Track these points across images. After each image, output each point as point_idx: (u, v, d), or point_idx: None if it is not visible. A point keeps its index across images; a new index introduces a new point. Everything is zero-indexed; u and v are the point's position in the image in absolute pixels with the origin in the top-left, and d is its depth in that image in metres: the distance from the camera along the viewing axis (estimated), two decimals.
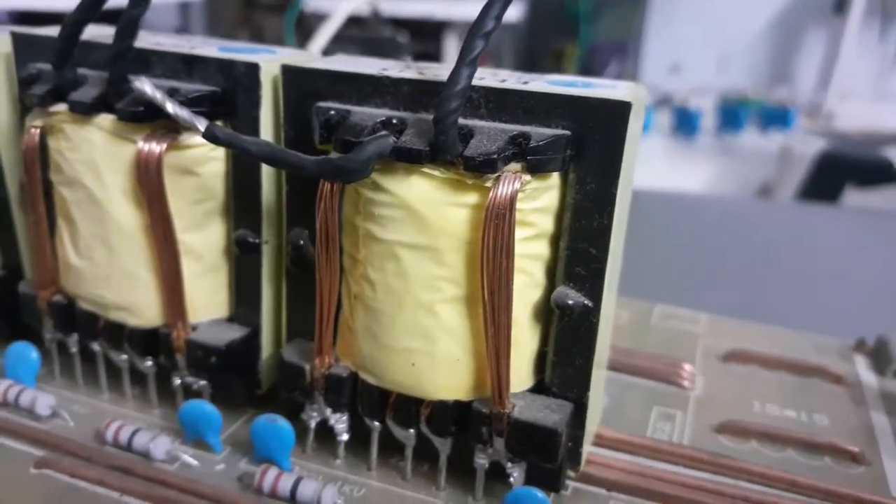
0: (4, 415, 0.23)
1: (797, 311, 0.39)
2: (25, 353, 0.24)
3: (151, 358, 0.23)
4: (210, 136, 0.19)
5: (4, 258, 0.26)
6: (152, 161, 0.20)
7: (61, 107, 0.21)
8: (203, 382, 0.23)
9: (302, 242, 0.21)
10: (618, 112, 0.18)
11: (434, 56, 0.76)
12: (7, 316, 0.26)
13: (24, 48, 0.23)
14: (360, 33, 0.66)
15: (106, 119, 0.21)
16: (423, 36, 0.76)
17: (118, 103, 0.20)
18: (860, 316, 0.39)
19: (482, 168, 0.17)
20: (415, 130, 0.18)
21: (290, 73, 0.20)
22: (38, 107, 0.21)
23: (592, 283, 0.19)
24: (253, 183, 0.21)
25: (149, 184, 0.20)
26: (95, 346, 0.24)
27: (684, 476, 0.22)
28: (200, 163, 0.21)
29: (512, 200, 0.17)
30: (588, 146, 0.18)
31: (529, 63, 0.83)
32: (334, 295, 0.20)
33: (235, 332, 0.22)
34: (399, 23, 0.73)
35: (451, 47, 0.76)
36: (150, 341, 0.23)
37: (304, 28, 0.94)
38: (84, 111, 0.20)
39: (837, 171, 0.61)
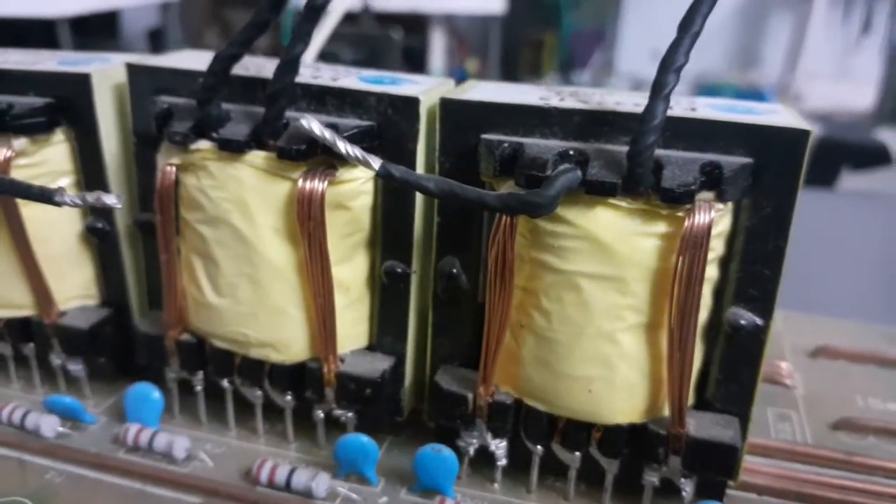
0: (139, 460, 0.23)
1: (810, 295, 0.41)
2: (148, 393, 0.24)
3: (291, 392, 0.23)
4: (386, 175, 0.19)
5: (109, 295, 0.25)
6: (315, 198, 0.20)
7: (203, 143, 0.21)
8: (350, 414, 0.22)
9: (455, 271, 0.21)
10: (799, 139, 0.18)
11: (420, 50, 0.76)
12: (115, 355, 0.25)
13: (141, 80, 0.22)
14: (353, 30, 0.65)
15: (257, 156, 0.20)
16: (408, 30, 0.75)
17: (278, 141, 0.20)
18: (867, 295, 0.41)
19: (681, 199, 0.17)
20: (600, 162, 0.18)
21: (449, 105, 0.20)
22: (179, 144, 0.20)
23: (764, 304, 0.19)
24: (406, 215, 0.21)
25: (309, 221, 0.20)
26: (225, 384, 0.23)
27: (826, 476, 0.23)
28: (352, 197, 0.21)
29: (708, 229, 0.18)
30: (767, 172, 0.18)
31: (510, 54, 0.83)
32: (505, 325, 0.20)
33: (383, 362, 0.22)
34: (385, 17, 0.72)
35: (437, 41, 0.76)
36: (294, 376, 0.22)
37: (277, 24, 0.92)
38: (237, 149, 0.20)
39: (833, 156, 0.64)
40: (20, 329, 0.25)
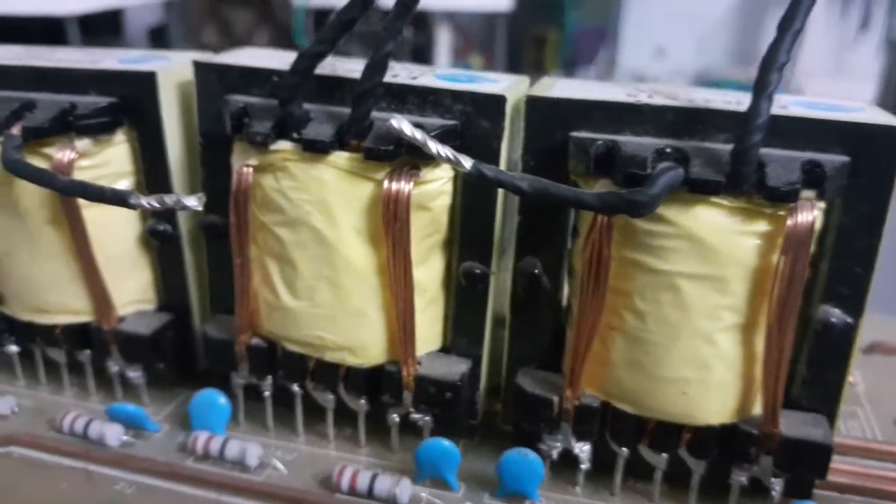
0: (210, 468, 0.22)
1: None
2: (214, 399, 0.23)
3: (365, 396, 0.22)
4: (478, 175, 0.18)
5: (168, 299, 0.25)
6: (402, 199, 0.19)
7: (283, 144, 0.20)
8: (427, 418, 0.22)
9: (537, 272, 0.21)
10: (894, 137, 0.18)
11: (421, 46, 0.75)
12: (174, 361, 0.25)
13: (209, 79, 0.22)
14: (363, 27, 0.64)
15: (341, 157, 0.20)
16: (414, 27, 0.75)
17: (364, 141, 0.19)
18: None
19: (787, 198, 0.17)
20: (701, 161, 0.18)
21: (536, 103, 0.20)
22: (260, 144, 0.20)
23: (855, 302, 0.19)
24: (487, 215, 0.21)
25: (395, 222, 0.20)
26: (295, 388, 0.23)
27: None
28: (433, 198, 0.20)
29: (811, 228, 0.18)
30: (862, 170, 0.18)
31: (517, 52, 0.83)
32: (597, 327, 0.20)
33: (461, 365, 0.22)
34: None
35: (443, 37, 0.76)
36: (370, 380, 0.22)
37: (275, 22, 0.91)
38: (322, 150, 0.19)
39: None
40: (77, 335, 0.24)
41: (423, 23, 0.76)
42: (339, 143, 0.20)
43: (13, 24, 0.58)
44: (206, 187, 0.23)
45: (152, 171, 0.23)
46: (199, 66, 0.22)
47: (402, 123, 0.18)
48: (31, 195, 0.22)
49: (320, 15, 0.64)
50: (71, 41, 0.58)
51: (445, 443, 0.21)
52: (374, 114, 0.20)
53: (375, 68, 0.19)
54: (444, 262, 0.22)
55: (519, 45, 0.84)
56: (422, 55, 0.75)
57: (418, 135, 0.18)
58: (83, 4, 0.57)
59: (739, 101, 0.19)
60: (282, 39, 0.92)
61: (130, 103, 0.22)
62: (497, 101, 0.20)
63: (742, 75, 0.87)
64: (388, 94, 0.20)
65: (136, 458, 0.22)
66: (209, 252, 0.24)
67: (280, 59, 0.22)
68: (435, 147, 0.18)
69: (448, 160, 0.18)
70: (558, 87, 0.21)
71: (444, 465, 0.21)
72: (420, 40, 0.74)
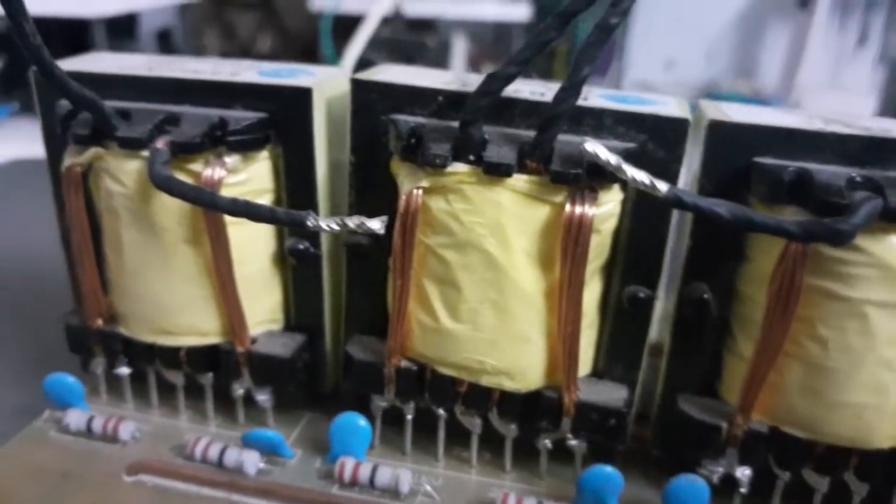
0: (358, 496, 0.21)
1: None
2: (355, 423, 0.22)
3: (516, 422, 0.22)
4: (675, 200, 0.18)
5: (299, 319, 0.24)
6: (585, 223, 0.19)
7: (459, 166, 0.20)
8: (582, 443, 0.22)
9: (706, 297, 0.21)
10: None
11: (442, 55, 0.75)
12: (305, 383, 0.24)
13: (368, 97, 0.21)
14: (388, 35, 0.64)
15: (520, 179, 0.19)
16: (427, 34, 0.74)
17: (550, 164, 0.19)
18: None
19: None
20: (894, 190, 0.18)
21: (719, 128, 0.19)
22: (439, 167, 0.19)
23: None
24: (657, 239, 0.21)
25: (576, 246, 0.19)
26: (441, 412, 0.22)
27: None
28: (604, 221, 0.20)
29: None
30: None
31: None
32: (778, 354, 0.19)
33: (620, 391, 0.22)
34: (414, 24, 0.71)
35: (458, 46, 0.75)
36: (526, 405, 0.22)
37: (277, 28, 0.90)
38: (506, 173, 0.19)
39: None
40: (203, 358, 0.23)
41: (431, 30, 0.76)
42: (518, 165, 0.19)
43: (43, 23, 0.56)
44: (354, 208, 0.22)
45: (297, 189, 0.22)
46: (358, 84, 0.21)
47: (597, 147, 0.18)
48: (169, 212, 0.21)
49: (347, 21, 0.63)
50: (97, 43, 0.56)
51: (608, 469, 0.21)
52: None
53: (570, 92, 0.18)
54: (602, 287, 0.21)
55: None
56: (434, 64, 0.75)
57: (612, 159, 0.18)
58: (109, 7, 0.55)
59: None
60: (285, 44, 0.91)
61: (281, 119, 0.21)
62: (679, 125, 0.20)
63: (747, 89, 0.88)
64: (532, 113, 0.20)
65: (284, 486, 0.21)
66: (350, 272, 0.23)
67: (432, 78, 0.22)
68: (630, 171, 0.18)
69: (643, 185, 0.18)
70: (732, 110, 0.21)
71: (608, 492, 0.21)
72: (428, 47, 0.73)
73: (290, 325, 0.24)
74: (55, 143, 0.23)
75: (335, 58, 0.60)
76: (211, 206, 0.20)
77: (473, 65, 0.79)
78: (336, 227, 0.19)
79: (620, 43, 0.84)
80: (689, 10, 0.83)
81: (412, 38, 0.64)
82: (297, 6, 0.86)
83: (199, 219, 0.21)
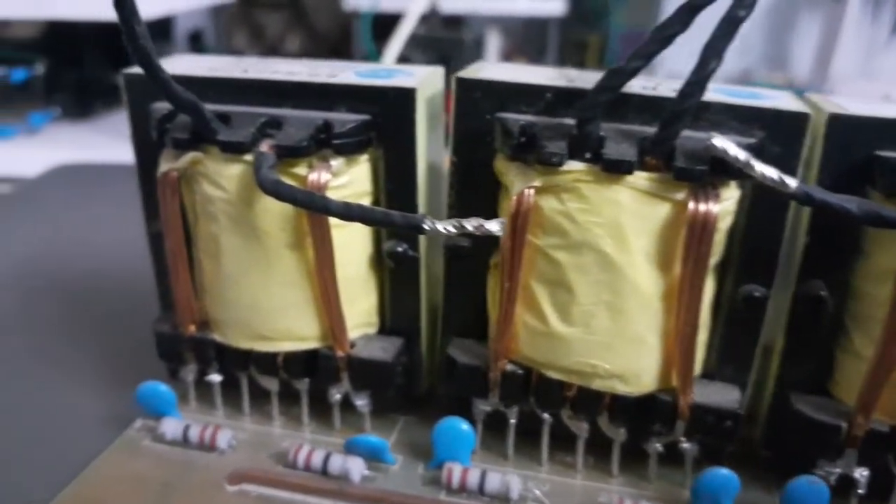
0: (466, 502, 0.21)
1: None
2: (458, 428, 0.22)
3: (626, 426, 0.22)
4: (804, 197, 0.18)
5: (394, 322, 0.24)
6: (709, 220, 0.19)
7: (576, 164, 0.19)
8: (695, 446, 0.21)
9: (822, 294, 0.20)
10: None
11: (473, 51, 0.74)
12: (402, 387, 0.24)
13: (473, 95, 0.21)
14: (424, 33, 0.63)
15: (640, 177, 0.19)
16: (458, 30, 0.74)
17: (674, 160, 0.18)
18: None
19: None
20: None
21: (840, 121, 0.19)
22: (556, 165, 0.19)
23: None
24: (775, 236, 0.20)
25: (699, 244, 0.19)
26: (545, 416, 0.22)
27: None
28: (722, 218, 0.20)
29: None
30: None
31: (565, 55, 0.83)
32: None
33: (733, 392, 0.21)
34: (447, 20, 0.71)
35: (492, 41, 0.75)
36: (638, 408, 0.21)
37: (305, 28, 0.90)
38: (627, 170, 0.19)
39: None
40: (301, 363, 0.23)
41: (464, 26, 0.75)
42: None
43: (84, 28, 0.56)
44: (454, 209, 0.22)
45: (398, 191, 0.22)
46: (462, 83, 0.21)
47: (726, 143, 0.18)
48: (272, 217, 0.21)
49: (380, 20, 0.63)
50: None
51: (725, 471, 0.20)
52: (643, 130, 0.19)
53: (695, 87, 0.18)
54: (712, 286, 0.21)
55: (564, 49, 0.83)
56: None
57: (741, 155, 0.18)
58: (150, 10, 0.55)
59: None
60: (313, 44, 0.90)
61: (385, 120, 0.21)
62: (799, 119, 0.19)
63: (781, 79, 0.87)
64: (643, 109, 0.20)
65: (395, 494, 0.21)
66: (449, 275, 0.23)
67: (535, 75, 0.21)
68: (759, 167, 0.18)
69: (772, 181, 0.18)
70: (845, 103, 0.20)
71: (724, 495, 0.20)
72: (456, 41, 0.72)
73: (384, 329, 0.24)
74: (145, 148, 0.23)
75: (375, 56, 0.60)
76: (323, 211, 0.19)
77: (506, 60, 0.78)
78: (453, 230, 0.18)
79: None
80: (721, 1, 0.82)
81: (448, 35, 0.64)
82: (326, 5, 0.86)
83: (302, 222, 0.21)
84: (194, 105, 0.20)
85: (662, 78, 0.21)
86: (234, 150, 0.20)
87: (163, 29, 0.64)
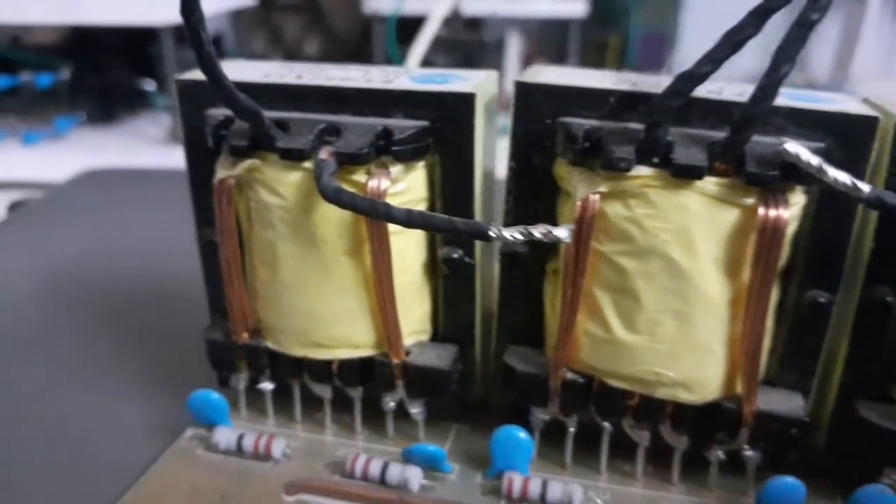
0: None
1: None
2: (516, 436, 0.22)
3: (688, 434, 0.21)
4: (877, 202, 0.17)
5: (447, 329, 0.23)
6: (780, 226, 0.18)
7: (643, 170, 0.19)
8: (759, 454, 0.21)
9: (889, 300, 0.20)
10: None
11: (493, 53, 0.74)
12: (456, 395, 0.23)
13: (535, 100, 0.20)
14: (446, 35, 0.63)
15: (709, 182, 0.19)
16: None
17: (746, 165, 0.18)
18: None
19: None
20: None
21: None
22: (623, 171, 0.19)
23: None
24: (841, 242, 0.20)
25: (768, 251, 0.19)
26: (605, 425, 0.22)
27: None
28: (789, 224, 0.19)
29: None
30: None
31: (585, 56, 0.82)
32: None
33: (797, 400, 0.21)
34: (467, 22, 0.70)
35: (513, 43, 0.74)
36: (701, 416, 0.21)
37: (324, 31, 0.90)
38: (698, 175, 0.18)
39: None
40: (356, 370, 0.23)
41: (484, 28, 0.75)
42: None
43: (107, 33, 0.56)
44: (511, 215, 0.22)
45: (454, 197, 0.22)
46: (522, 87, 0.20)
47: (799, 148, 0.17)
48: (330, 224, 0.21)
49: (407, 22, 0.63)
50: (165, 50, 0.56)
51: (791, 480, 0.20)
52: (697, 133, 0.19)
53: (769, 91, 0.18)
54: (778, 291, 0.21)
55: (584, 50, 0.83)
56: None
57: (814, 160, 0.17)
58: (176, 15, 0.55)
59: None
60: (332, 47, 0.90)
61: (443, 126, 0.21)
62: (868, 124, 0.19)
63: (801, 79, 0.87)
64: (715, 113, 0.19)
65: None
66: (505, 281, 0.22)
67: (595, 79, 0.21)
68: (832, 172, 0.17)
69: (845, 186, 0.17)
70: None
71: (790, 503, 0.20)
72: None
73: (437, 335, 0.24)
74: (198, 155, 0.23)
75: (399, 60, 0.60)
76: (386, 218, 0.19)
77: (526, 62, 0.78)
78: (520, 237, 0.18)
79: (672, 35, 0.83)
80: (739, 1, 0.81)
81: (471, 38, 0.64)
82: (344, 8, 0.86)
83: (360, 230, 0.21)
84: (255, 112, 0.20)
85: (724, 82, 0.21)
86: (293, 157, 0.20)
87: (182, 32, 0.64)
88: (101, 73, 0.62)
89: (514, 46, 0.75)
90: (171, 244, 0.37)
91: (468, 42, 0.64)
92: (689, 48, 0.81)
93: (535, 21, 0.78)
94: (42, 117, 0.59)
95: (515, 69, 0.82)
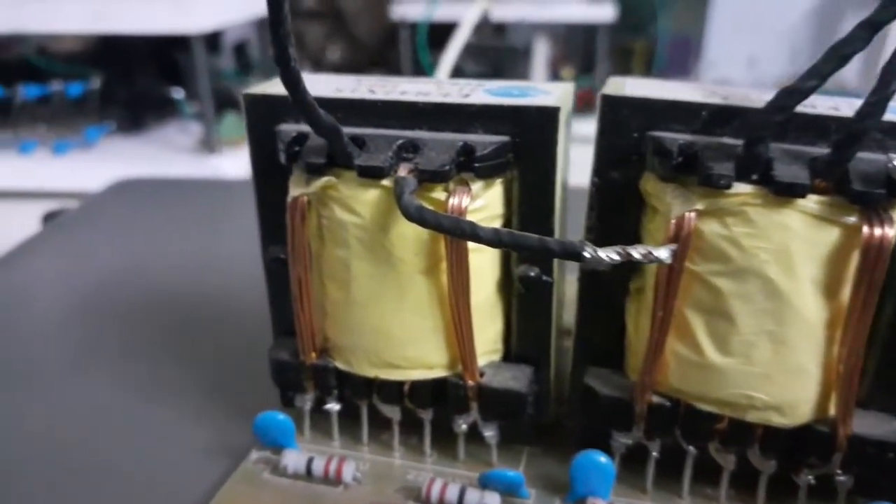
0: None
1: None
2: (596, 460, 0.21)
3: (777, 458, 0.21)
4: None
5: (521, 349, 0.23)
6: (885, 246, 0.18)
7: (743, 187, 0.18)
8: (851, 478, 0.20)
9: None
10: None
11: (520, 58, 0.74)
12: (532, 417, 0.23)
13: (621, 113, 0.20)
14: (478, 42, 0.62)
15: (811, 200, 0.18)
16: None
17: (851, 183, 0.17)
18: None
19: None
20: None
21: None
22: (721, 188, 0.18)
23: None
24: None
25: (872, 271, 0.18)
26: (692, 449, 0.21)
27: None
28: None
29: None
30: None
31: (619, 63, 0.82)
32: None
33: (891, 423, 0.20)
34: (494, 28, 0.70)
35: (540, 49, 0.74)
36: (792, 440, 0.20)
37: (347, 38, 0.89)
38: (801, 193, 0.18)
39: None
40: (428, 391, 0.22)
41: (511, 34, 0.75)
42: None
43: (135, 42, 0.56)
44: (593, 232, 0.21)
45: (533, 213, 0.21)
46: (608, 101, 0.20)
47: None
48: (407, 242, 0.20)
49: (441, 29, 0.62)
50: (197, 58, 0.55)
51: None
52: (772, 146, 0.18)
53: (878, 107, 0.17)
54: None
55: (611, 55, 0.82)
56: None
57: None
58: (206, 23, 0.55)
59: None
60: (355, 53, 0.90)
61: (525, 141, 0.20)
62: None
63: (831, 83, 0.86)
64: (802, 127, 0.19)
65: None
66: (584, 301, 0.22)
67: (683, 92, 0.20)
68: None
69: None
70: None
71: None
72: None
73: (509, 355, 0.23)
74: (266, 170, 0.22)
75: (431, 67, 0.59)
76: (472, 238, 0.18)
77: (553, 68, 0.77)
78: (617, 258, 0.17)
79: (698, 41, 0.82)
80: (767, 6, 0.81)
81: (500, 44, 0.63)
82: (367, 14, 0.86)
83: (436, 248, 0.20)
84: (335, 129, 0.19)
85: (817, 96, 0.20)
86: (372, 174, 0.20)
87: (213, 42, 0.64)
88: (130, 82, 0.62)
89: (541, 52, 0.74)
90: (215, 257, 0.36)
91: (498, 49, 0.64)
92: (716, 53, 0.80)
93: (562, 26, 0.77)
94: (72, 126, 0.58)
95: (542, 75, 0.81)
